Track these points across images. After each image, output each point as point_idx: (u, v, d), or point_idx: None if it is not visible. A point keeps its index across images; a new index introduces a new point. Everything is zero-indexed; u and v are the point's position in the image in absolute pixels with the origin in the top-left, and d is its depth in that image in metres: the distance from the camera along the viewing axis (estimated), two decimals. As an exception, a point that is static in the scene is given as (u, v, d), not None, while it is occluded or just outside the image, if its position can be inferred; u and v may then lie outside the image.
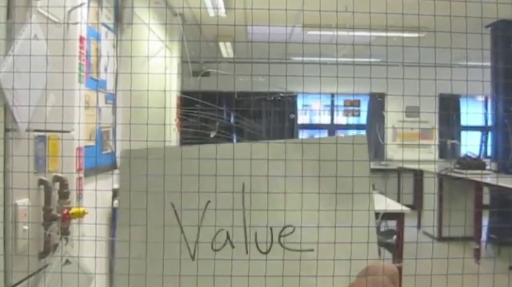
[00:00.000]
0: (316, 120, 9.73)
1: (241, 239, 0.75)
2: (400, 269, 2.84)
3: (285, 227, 0.76)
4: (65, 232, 1.85)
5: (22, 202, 1.66)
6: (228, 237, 0.75)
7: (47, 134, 1.83)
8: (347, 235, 0.74)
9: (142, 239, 0.77)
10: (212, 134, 6.36)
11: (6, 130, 1.61)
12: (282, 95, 8.75)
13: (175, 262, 0.76)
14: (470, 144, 8.25)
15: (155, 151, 0.81)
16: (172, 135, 5.48)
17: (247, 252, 0.75)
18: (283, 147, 0.78)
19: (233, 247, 0.75)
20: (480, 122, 9.01)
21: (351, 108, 9.23)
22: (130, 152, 0.82)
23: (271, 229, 0.75)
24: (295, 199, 0.76)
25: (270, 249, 0.75)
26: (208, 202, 0.76)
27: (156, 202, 0.78)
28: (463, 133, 9.08)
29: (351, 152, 0.76)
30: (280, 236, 0.75)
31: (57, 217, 1.80)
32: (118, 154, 3.36)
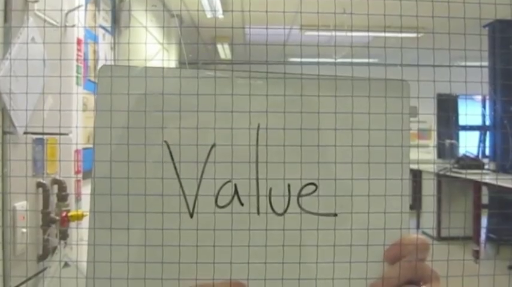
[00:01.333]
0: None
1: (252, 196, 0.61)
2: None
3: (305, 185, 0.62)
4: (63, 235, 1.85)
5: (20, 205, 1.65)
6: (236, 191, 0.61)
7: (45, 136, 1.83)
8: (378, 201, 0.62)
9: (123, 189, 0.62)
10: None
11: (4, 133, 1.60)
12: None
13: (169, 219, 0.61)
14: (469, 145, 8.25)
15: (146, 71, 0.65)
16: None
17: (258, 212, 0.61)
18: (308, 84, 0.63)
19: (242, 204, 0.61)
20: (478, 121, 9.02)
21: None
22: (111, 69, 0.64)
23: (289, 185, 0.62)
24: (321, 150, 0.62)
25: (286, 210, 0.62)
26: (213, 145, 0.62)
27: (145, 140, 0.62)
28: (461, 133, 9.09)
29: (387, 100, 0.63)
30: (299, 195, 0.62)
31: (55, 219, 1.79)
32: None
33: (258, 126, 0.62)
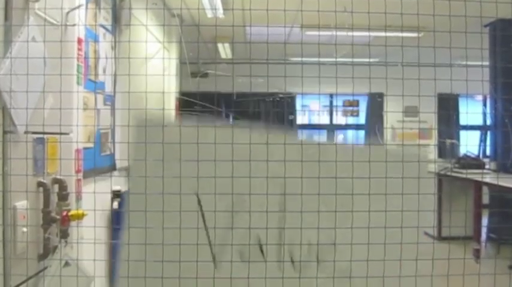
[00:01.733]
0: (315, 120, 9.74)
1: (274, 251, 0.61)
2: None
3: (325, 244, 0.62)
4: (64, 234, 1.85)
5: (21, 204, 1.66)
6: (260, 247, 0.61)
7: (46, 136, 1.83)
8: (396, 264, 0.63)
9: (157, 238, 0.62)
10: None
11: (5, 132, 1.60)
12: (280, 95, 8.75)
13: (193, 268, 0.62)
14: (470, 144, 8.24)
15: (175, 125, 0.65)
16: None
17: (280, 267, 0.60)
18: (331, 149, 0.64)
19: (265, 260, 0.61)
20: (479, 121, 9.02)
21: (350, 108, 9.22)
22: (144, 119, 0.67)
23: (309, 243, 0.62)
24: (340, 211, 0.62)
25: (305, 266, 0.62)
26: (243, 201, 0.61)
27: (175, 191, 0.62)
28: (462, 133, 9.09)
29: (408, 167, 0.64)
30: (318, 252, 0.62)
31: (56, 219, 1.79)
32: (117, 155, 3.35)
33: (284, 185, 0.63)
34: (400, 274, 0.62)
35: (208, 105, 4.03)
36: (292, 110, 9.10)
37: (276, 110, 8.97)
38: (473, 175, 5.08)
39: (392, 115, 8.48)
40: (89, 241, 1.90)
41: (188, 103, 4.90)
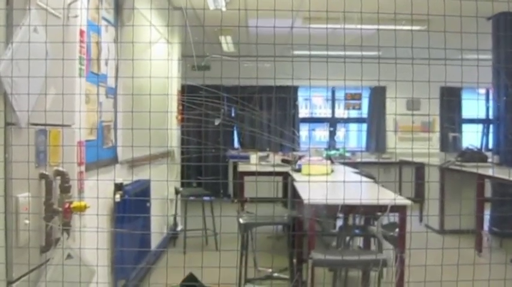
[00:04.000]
0: (317, 113, 9.70)
1: None
2: (402, 262, 2.78)
3: None
4: (66, 226, 1.85)
5: (23, 195, 1.65)
6: None
7: (48, 128, 1.82)
8: None
9: None
10: (217, 122, 6.29)
11: (7, 124, 1.60)
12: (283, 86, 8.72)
13: None
14: (471, 135, 8.22)
15: None
16: (174, 124, 5.44)
17: None
18: None
19: None
20: (482, 114, 8.98)
21: (352, 101, 9.19)
22: None
23: None
24: None
25: None
26: None
27: None
28: (465, 126, 9.07)
29: None
30: None
31: (58, 211, 1.79)
32: (119, 148, 3.34)
33: None
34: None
35: (213, 90, 3.99)
36: (295, 99, 9.04)
37: (279, 101, 8.88)
38: (476, 168, 5.07)
39: (394, 108, 8.46)
40: (91, 230, 1.90)
41: (191, 90, 4.86)
